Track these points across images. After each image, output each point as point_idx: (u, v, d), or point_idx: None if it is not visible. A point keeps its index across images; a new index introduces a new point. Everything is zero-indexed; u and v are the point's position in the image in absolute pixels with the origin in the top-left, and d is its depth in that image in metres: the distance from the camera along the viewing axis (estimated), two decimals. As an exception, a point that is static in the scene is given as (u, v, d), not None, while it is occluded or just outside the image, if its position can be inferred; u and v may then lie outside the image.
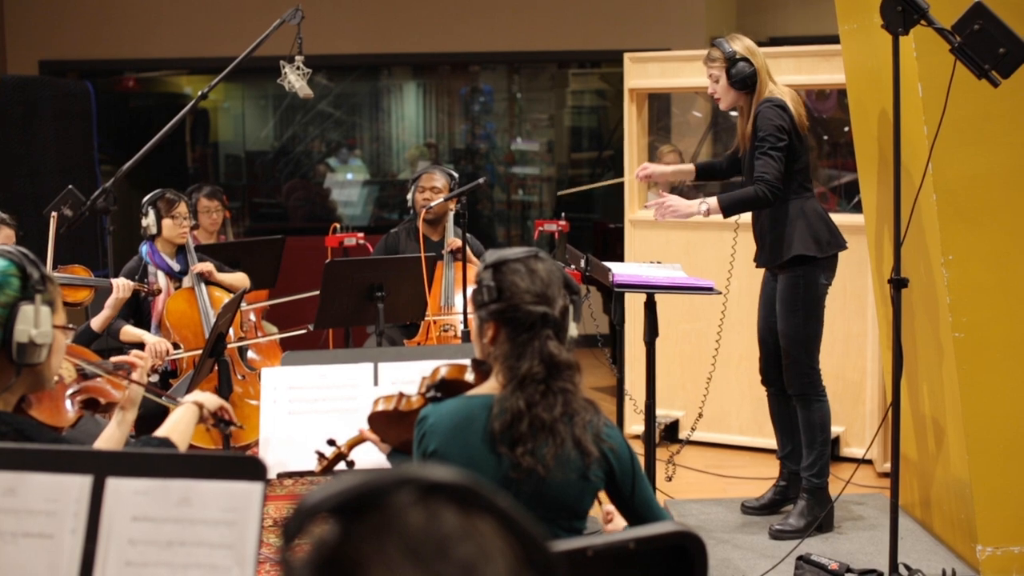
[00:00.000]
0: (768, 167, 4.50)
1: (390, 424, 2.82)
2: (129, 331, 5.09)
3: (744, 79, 4.59)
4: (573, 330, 2.58)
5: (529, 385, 2.47)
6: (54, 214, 4.89)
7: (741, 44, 4.63)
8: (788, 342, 4.66)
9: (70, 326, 2.59)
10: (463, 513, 0.99)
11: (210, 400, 2.91)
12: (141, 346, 5.01)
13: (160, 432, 2.74)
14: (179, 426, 2.76)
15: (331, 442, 3.03)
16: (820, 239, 4.61)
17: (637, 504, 2.60)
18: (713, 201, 4.53)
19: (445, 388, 2.65)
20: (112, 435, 2.80)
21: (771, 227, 4.65)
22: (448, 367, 2.69)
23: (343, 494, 0.99)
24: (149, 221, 5.23)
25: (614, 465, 2.55)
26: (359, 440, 2.97)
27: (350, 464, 3.02)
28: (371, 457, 2.97)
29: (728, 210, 4.56)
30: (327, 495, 0.99)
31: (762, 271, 4.88)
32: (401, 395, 2.81)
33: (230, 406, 2.99)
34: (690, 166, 5.10)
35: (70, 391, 2.86)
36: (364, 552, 0.97)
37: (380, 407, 2.81)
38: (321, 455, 3.03)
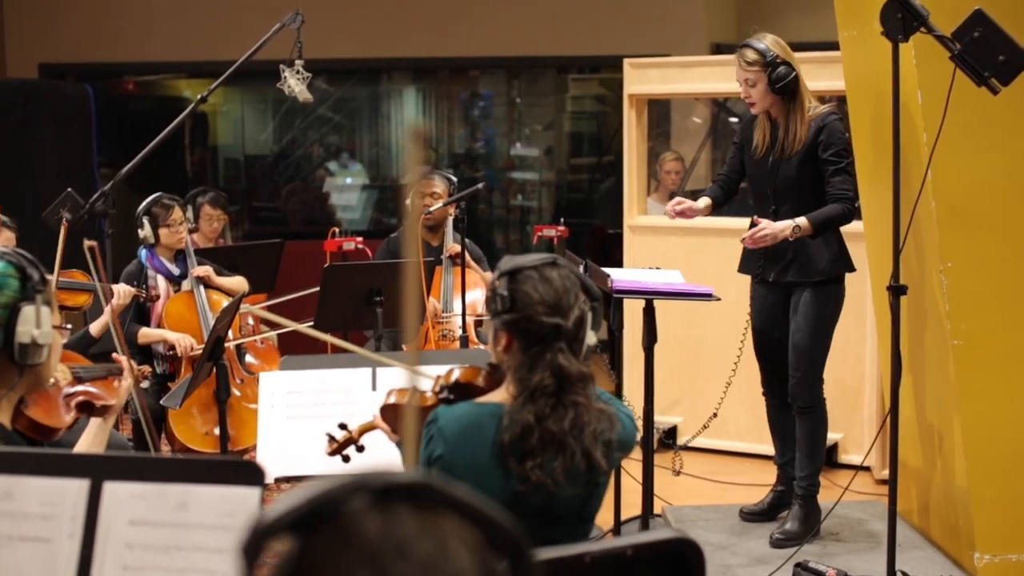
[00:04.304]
0: (849, 184, 4.50)
1: (401, 417, 2.82)
2: (147, 332, 5.10)
3: (786, 84, 4.46)
4: (591, 338, 2.55)
5: (539, 398, 2.44)
6: (64, 221, 4.87)
7: (776, 45, 4.49)
8: (806, 355, 4.61)
9: (66, 326, 2.60)
10: (420, 512, 0.98)
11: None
12: (144, 353, 5.01)
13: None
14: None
15: (342, 426, 3.03)
16: (847, 256, 4.65)
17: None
18: (804, 222, 4.42)
19: (458, 390, 2.63)
20: (95, 437, 2.82)
21: (803, 242, 4.55)
22: (463, 369, 2.66)
23: (296, 510, 0.98)
24: (146, 233, 5.21)
25: (621, 458, 2.59)
26: (370, 427, 2.97)
27: (360, 449, 3.03)
28: (382, 444, 2.98)
29: (819, 229, 4.46)
30: (280, 513, 0.98)
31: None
32: (415, 390, 2.80)
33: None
34: (709, 201, 4.84)
35: (65, 393, 2.86)
36: (323, 566, 0.96)
37: (392, 399, 2.82)
38: (332, 438, 3.03)
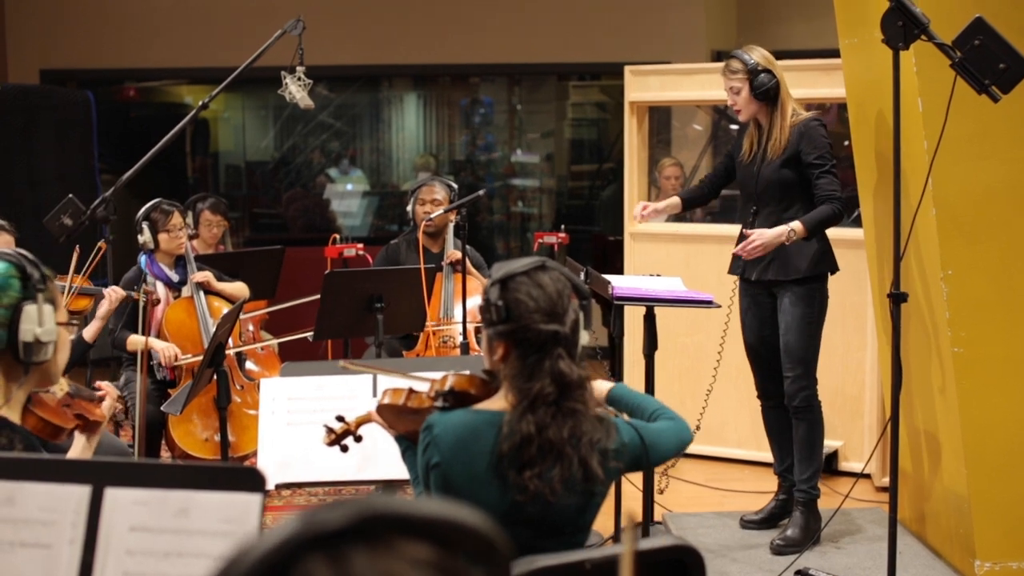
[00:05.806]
0: (834, 185, 4.58)
1: (397, 416, 2.84)
2: (136, 340, 5.06)
3: (767, 90, 4.60)
4: (585, 337, 2.55)
5: (540, 407, 2.43)
6: (78, 248, 4.87)
7: (760, 55, 4.65)
8: (797, 356, 4.65)
9: (72, 322, 2.63)
10: (372, 549, 0.92)
11: None
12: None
13: None
14: None
15: (340, 418, 3.04)
16: (830, 256, 4.70)
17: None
18: (799, 226, 4.51)
19: (453, 397, 2.63)
20: (80, 455, 2.84)
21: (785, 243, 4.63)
22: (457, 377, 2.66)
23: None
24: (145, 238, 5.19)
25: (623, 470, 2.58)
26: (367, 419, 2.99)
27: (358, 439, 3.05)
28: (381, 435, 3.00)
29: (812, 231, 4.56)
30: None
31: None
32: (410, 391, 2.80)
33: None
34: (676, 199, 5.10)
35: (63, 403, 2.88)
36: None
37: (388, 400, 2.83)
38: (329, 429, 3.05)
